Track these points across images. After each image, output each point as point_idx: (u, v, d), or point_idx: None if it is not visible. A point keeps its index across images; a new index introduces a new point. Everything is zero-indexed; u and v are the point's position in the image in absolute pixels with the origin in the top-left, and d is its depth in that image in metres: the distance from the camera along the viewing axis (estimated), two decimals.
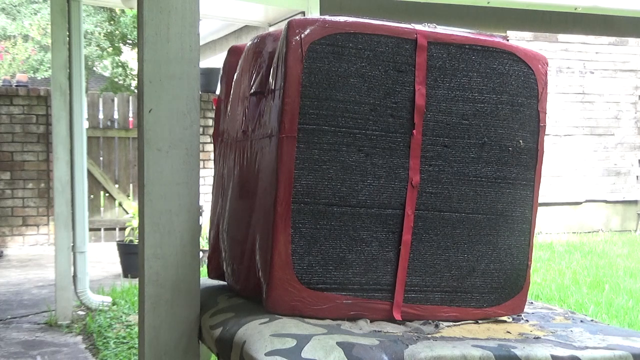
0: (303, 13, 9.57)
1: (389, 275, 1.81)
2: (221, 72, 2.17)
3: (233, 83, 2.11)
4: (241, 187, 1.96)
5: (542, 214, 9.93)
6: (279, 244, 1.72)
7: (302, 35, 1.71)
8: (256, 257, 1.83)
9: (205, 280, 2.21)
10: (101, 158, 9.97)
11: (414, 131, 1.80)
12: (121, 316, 5.41)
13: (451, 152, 1.84)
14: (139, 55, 1.80)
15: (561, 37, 10.54)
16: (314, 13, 9.23)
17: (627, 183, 10.98)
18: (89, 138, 9.51)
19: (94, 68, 23.46)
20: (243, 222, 1.92)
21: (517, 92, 1.88)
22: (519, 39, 10.27)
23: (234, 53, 2.17)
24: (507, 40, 1.90)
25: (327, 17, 1.74)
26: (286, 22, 1.70)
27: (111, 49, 21.29)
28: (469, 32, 1.86)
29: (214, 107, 2.22)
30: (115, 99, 10.06)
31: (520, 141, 1.89)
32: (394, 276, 1.81)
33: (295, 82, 1.70)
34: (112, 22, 20.36)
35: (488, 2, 10.02)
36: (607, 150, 10.87)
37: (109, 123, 9.98)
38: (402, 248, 1.81)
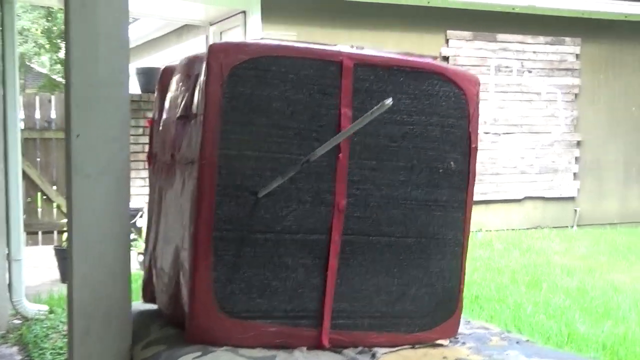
0: (244, 12, 9.50)
1: (315, 302, 1.79)
2: (155, 92, 2.12)
3: (164, 105, 2.07)
4: (169, 212, 1.93)
5: (483, 211, 10.04)
6: (199, 272, 1.69)
7: (223, 60, 1.67)
8: (181, 285, 1.79)
9: (139, 304, 2.16)
10: (38, 159, 9.75)
11: (340, 155, 1.78)
12: (58, 325, 5.29)
13: (379, 176, 1.81)
14: (66, 77, 1.74)
15: (500, 36, 10.66)
16: (255, 13, 9.17)
17: (564, 180, 11.17)
18: (25, 140, 9.31)
19: (31, 65, 22.99)
20: (171, 249, 1.88)
21: (448, 113, 1.86)
22: (459, 39, 10.36)
23: (167, 74, 2.12)
24: (437, 59, 1.90)
25: (250, 41, 1.72)
26: (208, 47, 1.67)
27: (49, 45, 20.90)
28: (397, 54, 1.84)
29: (148, 127, 2.16)
30: (53, 99, 9.84)
31: (452, 163, 1.88)
32: (321, 303, 1.79)
33: (215, 108, 1.67)
34: (49, 19, 19.97)
35: (428, 2, 10.09)
36: (545, 148, 11.03)
37: (45, 124, 9.76)
38: (329, 274, 1.78)
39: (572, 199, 11.29)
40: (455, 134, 1.87)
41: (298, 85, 1.73)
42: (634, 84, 11.52)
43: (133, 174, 9.87)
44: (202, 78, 1.71)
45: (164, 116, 2.06)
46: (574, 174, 11.22)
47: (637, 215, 11.58)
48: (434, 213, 1.87)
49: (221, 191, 1.68)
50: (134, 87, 10.38)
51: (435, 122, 1.85)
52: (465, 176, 1.89)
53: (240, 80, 1.69)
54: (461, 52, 10.35)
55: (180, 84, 1.93)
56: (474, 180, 1.90)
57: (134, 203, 9.04)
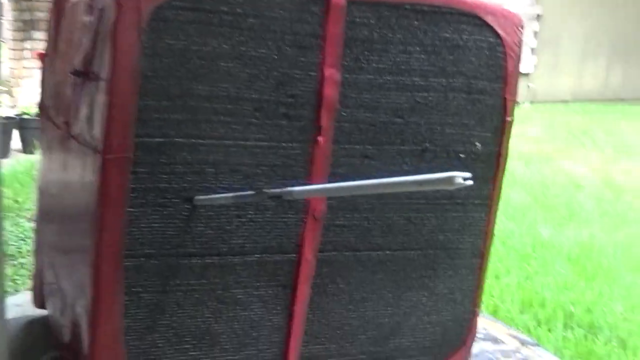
0: None
1: (275, 348, 1.27)
2: (49, 15, 1.45)
3: (58, 38, 1.41)
4: (62, 206, 1.32)
5: None
6: (102, 320, 1.13)
7: None
8: (76, 312, 1.24)
9: (23, 318, 1.58)
10: None
11: (320, 137, 1.21)
12: None
13: (375, 165, 1.25)
14: None
15: None
16: None
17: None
18: None
19: None
20: (68, 261, 1.30)
21: (478, 72, 1.29)
22: None
23: None
24: None
25: None
26: None
27: None
28: None
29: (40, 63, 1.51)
30: None
31: (477, 143, 1.33)
32: (284, 348, 1.28)
33: (127, 71, 1.06)
34: None
35: None
36: None
37: None
38: (296, 308, 1.27)
39: (526, 75, 10.94)
40: (485, 103, 1.31)
41: (260, 34, 1.13)
42: None
43: None
44: (105, 20, 1.07)
45: (57, 57, 1.40)
46: (532, 49, 10.82)
47: (590, 93, 11.37)
48: (447, 214, 1.32)
49: (138, 199, 1.10)
50: None
51: (459, 87, 1.27)
52: (493, 161, 1.34)
53: (169, 27, 1.07)
54: None
55: (79, 15, 1.25)
56: (505, 166, 1.36)
57: None
